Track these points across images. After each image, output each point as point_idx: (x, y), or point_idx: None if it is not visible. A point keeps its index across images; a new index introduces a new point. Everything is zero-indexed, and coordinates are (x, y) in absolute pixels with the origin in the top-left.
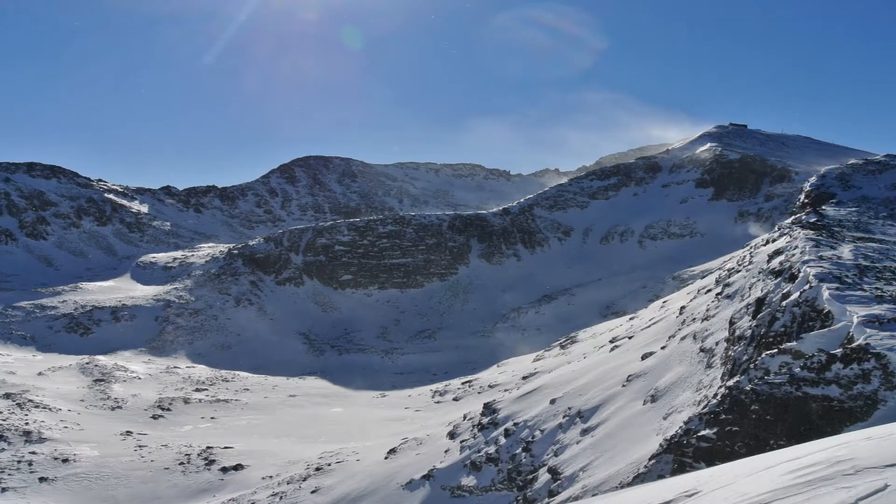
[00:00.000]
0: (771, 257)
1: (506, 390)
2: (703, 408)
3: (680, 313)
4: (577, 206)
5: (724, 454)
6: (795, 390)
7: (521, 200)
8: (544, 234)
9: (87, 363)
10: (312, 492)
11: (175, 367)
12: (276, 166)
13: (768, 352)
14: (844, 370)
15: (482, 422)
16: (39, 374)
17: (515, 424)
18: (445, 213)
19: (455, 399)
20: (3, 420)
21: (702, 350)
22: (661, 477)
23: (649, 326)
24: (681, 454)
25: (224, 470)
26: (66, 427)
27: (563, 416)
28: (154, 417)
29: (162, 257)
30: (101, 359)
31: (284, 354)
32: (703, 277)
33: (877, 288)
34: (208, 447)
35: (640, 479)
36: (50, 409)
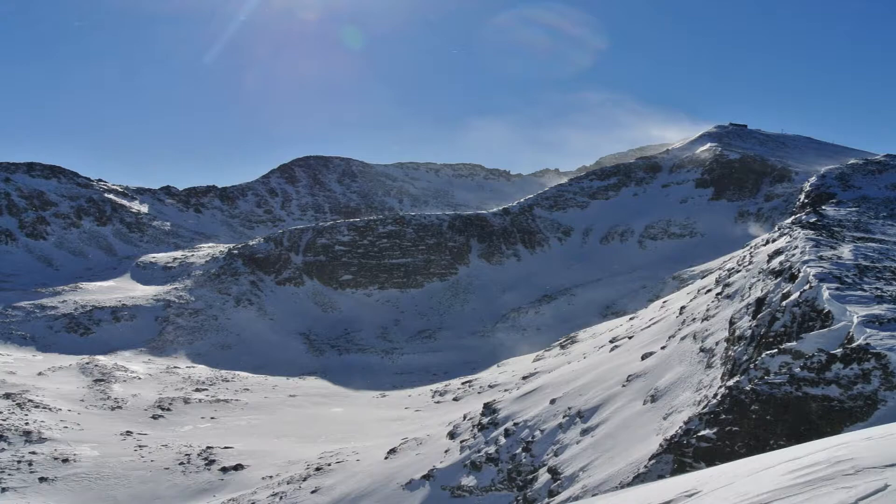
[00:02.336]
0: (771, 257)
1: (506, 390)
2: (703, 408)
3: (680, 313)
4: (577, 206)
5: (724, 454)
6: (795, 390)
7: (521, 200)
8: (544, 234)
9: (87, 363)
10: (312, 492)
11: (175, 367)
12: (276, 166)
13: (768, 352)
14: (844, 370)
15: (482, 422)
16: (39, 374)
17: (515, 424)
18: (445, 213)
19: (455, 399)
20: (3, 420)
21: (702, 350)
22: (661, 477)
23: (649, 326)
24: (681, 454)
25: (224, 470)
26: (66, 427)
27: (563, 416)
28: (154, 417)
29: (162, 257)
30: (101, 359)
31: (284, 354)
32: (703, 277)
33: (877, 288)
34: (208, 447)
35: (640, 479)
36: (50, 409)
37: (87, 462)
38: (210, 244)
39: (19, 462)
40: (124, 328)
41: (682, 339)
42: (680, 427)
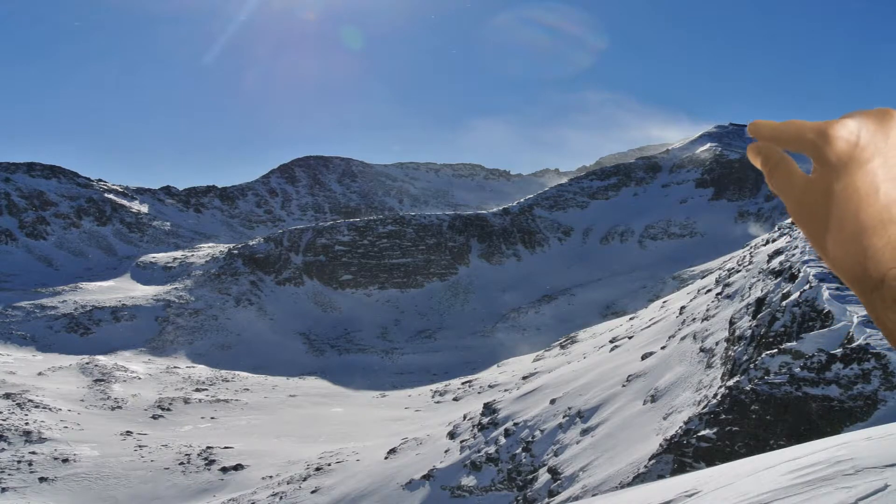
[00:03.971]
0: (771, 257)
1: (506, 390)
2: (704, 408)
3: (680, 313)
4: (577, 206)
5: (724, 454)
6: (795, 390)
7: (521, 200)
8: (544, 234)
9: (87, 363)
10: (312, 492)
11: (175, 367)
12: (276, 166)
13: (768, 352)
14: (844, 370)
15: (482, 422)
16: (39, 374)
17: (515, 424)
18: (445, 213)
19: (455, 399)
20: (3, 420)
21: (702, 350)
22: (661, 477)
23: (649, 326)
24: (681, 454)
25: (224, 470)
26: (66, 427)
27: (563, 416)
28: (154, 417)
29: (162, 257)
30: (101, 359)
31: (284, 354)
32: (703, 277)
33: None
34: (208, 447)
35: (640, 479)
36: (50, 409)
37: (87, 462)
38: (210, 244)
39: (19, 462)
40: (124, 328)
41: (682, 339)
42: (680, 427)
